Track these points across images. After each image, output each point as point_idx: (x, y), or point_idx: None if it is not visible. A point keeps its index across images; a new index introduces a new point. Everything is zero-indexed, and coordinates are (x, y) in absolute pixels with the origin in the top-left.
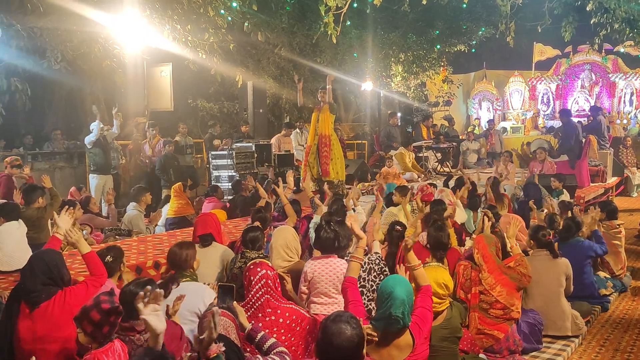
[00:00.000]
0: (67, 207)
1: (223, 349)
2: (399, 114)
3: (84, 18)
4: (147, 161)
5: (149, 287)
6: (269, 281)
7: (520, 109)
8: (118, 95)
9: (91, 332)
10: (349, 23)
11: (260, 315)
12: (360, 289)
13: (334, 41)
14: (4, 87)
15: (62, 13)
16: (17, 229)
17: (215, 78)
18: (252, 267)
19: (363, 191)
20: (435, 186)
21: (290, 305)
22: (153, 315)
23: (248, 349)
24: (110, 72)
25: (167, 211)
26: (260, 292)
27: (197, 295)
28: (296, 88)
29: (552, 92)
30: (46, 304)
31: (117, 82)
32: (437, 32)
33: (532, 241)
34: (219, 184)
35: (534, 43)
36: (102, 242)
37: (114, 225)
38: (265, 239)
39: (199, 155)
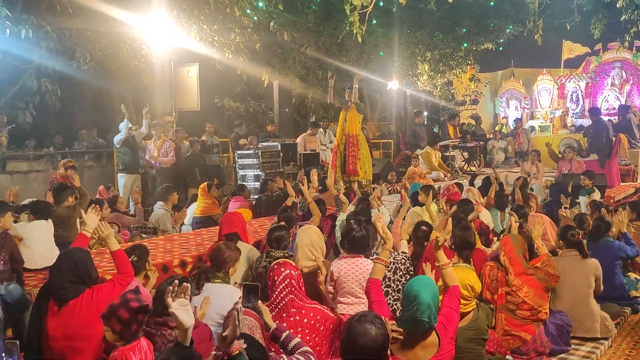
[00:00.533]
0: (94, 204)
1: (244, 345)
2: (425, 113)
3: (112, 19)
4: (153, 162)
5: (176, 282)
6: (293, 281)
7: (549, 107)
8: (145, 96)
9: (119, 331)
10: (374, 22)
11: (284, 315)
12: (386, 289)
13: (360, 40)
14: (35, 87)
15: (90, 14)
16: (45, 228)
17: (242, 77)
18: (275, 267)
19: (389, 189)
20: (461, 186)
21: (315, 305)
22: (181, 310)
23: (272, 349)
24: (138, 72)
25: (194, 210)
26: (285, 292)
27: (226, 298)
28: (323, 86)
29: (581, 90)
30: (74, 302)
31: (145, 82)
32: (464, 30)
33: (561, 241)
34: (244, 183)
35: (563, 40)
36: (128, 240)
37: (141, 223)
38: (291, 238)
39: (225, 155)
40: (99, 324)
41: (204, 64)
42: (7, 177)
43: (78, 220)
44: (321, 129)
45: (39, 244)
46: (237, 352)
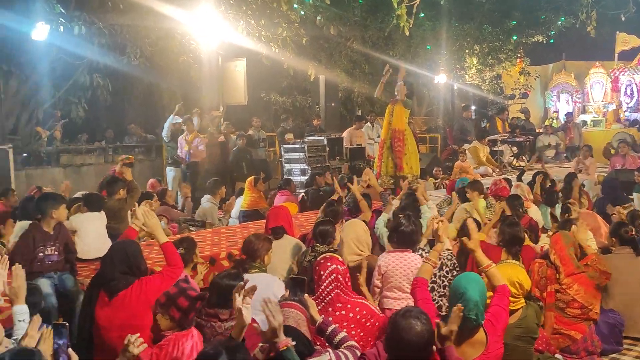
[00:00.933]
0: (146, 200)
1: (293, 343)
2: (473, 107)
3: (162, 15)
4: (183, 157)
5: (248, 279)
6: (339, 276)
7: (602, 101)
8: (194, 90)
9: (179, 319)
10: (422, 15)
11: (330, 309)
12: (432, 285)
13: (407, 33)
14: (87, 82)
15: (141, 10)
16: (98, 219)
17: (288, 72)
18: (322, 261)
19: (436, 184)
20: (509, 181)
21: (361, 300)
22: (245, 308)
23: (318, 342)
24: (187, 67)
25: (240, 203)
26: (331, 287)
27: (265, 287)
28: (369, 80)
29: (636, 84)
30: (124, 293)
31: (193, 77)
32: (514, 22)
33: (613, 238)
34: (291, 177)
35: (617, 32)
36: (177, 233)
37: (189, 216)
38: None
39: (271, 149)
40: (148, 314)
41: (251, 59)
42: (60, 170)
43: (129, 212)
44: (369, 123)
45: (91, 236)
46: (285, 347)
